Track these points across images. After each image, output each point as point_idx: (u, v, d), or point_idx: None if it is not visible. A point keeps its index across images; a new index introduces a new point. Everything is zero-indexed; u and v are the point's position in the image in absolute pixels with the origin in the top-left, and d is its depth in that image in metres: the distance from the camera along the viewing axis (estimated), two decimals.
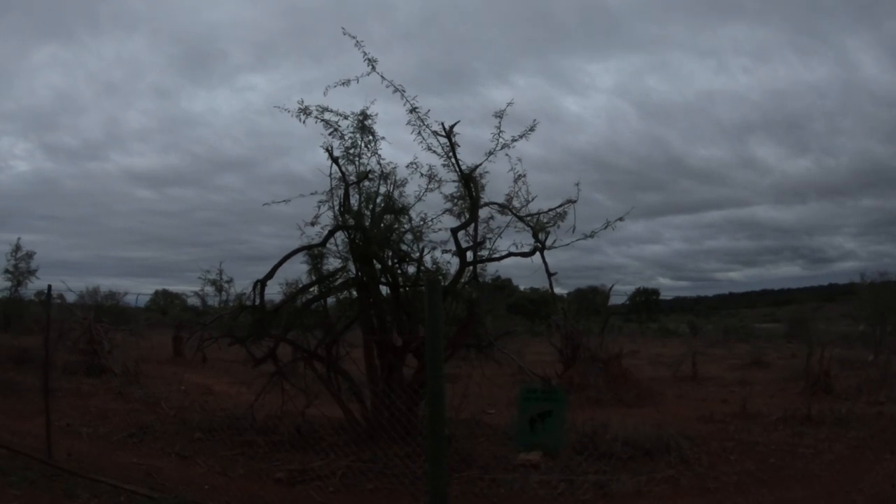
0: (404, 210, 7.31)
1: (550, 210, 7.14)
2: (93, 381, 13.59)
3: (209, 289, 8.13)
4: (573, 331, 13.78)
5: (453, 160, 6.56)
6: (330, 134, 6.92)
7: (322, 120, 6.78)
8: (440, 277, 7.45)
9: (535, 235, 6.95)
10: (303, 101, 6.66)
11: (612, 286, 13.59)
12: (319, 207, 7.07)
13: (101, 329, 15.75)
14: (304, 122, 6.68)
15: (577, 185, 7.09)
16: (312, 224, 7.14)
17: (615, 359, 13.02)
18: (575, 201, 7.06)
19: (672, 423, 9.66)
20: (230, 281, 7.90)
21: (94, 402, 11.17)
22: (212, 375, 16.13)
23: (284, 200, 7.07)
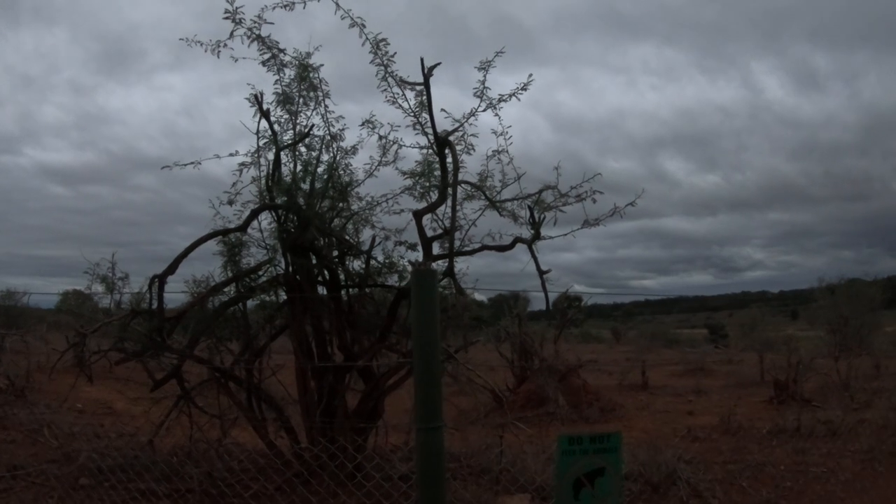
0: (350, 186, 5.64)
1: (530, 196, 5.63)
2: None
3: (98, 287, 6.43)
4: (526, 339, 12.36)
5: (427, 115, 4.87)
6: (265, 62, 5.14)
7: (257, 38, 4.95)
8: (396, 275, 5.83)
9: (532, 220, 5.37)
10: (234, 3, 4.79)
11: (568, 289, 12.24)
12: (241, 172, 5.30)
13: None
14: (236, 38, 4.86)
15: (557, 168, 5.61)
16: (230, 202, 5.38)
17: (574, 370, 11.68)
18: (554, 187, 5.58)
19: (654, 443, 8.62)
20: (125, 277, 6.26)
21: None
22: (115, 388, 13.91)
23: (192, 163, 5.28)
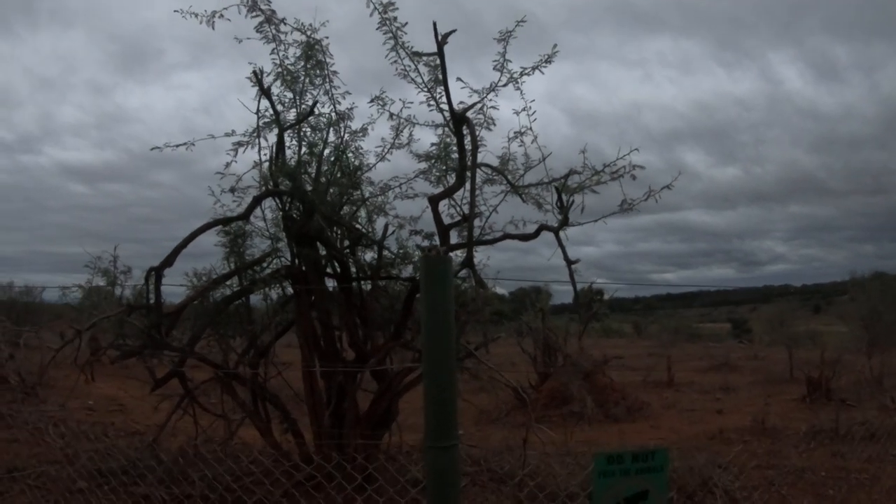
0: (360, 170, 5.23)
1: (554, 181, 5.17)
2: None
3: (100, 280, 6.09)
4: (549, 335, 11.91)
5: (443, 88, 4.41)
6: (259, 27, 4.72)
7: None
8: (412, 267, 5.40)
9: (559, 202, 4.90)
10: None
11: (590, 284, 11.76)
12: (237, 152, 4.87)
13: None
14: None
15: (584, 152, 5.13)
16: (232, 190, 4.98)
17: (600, 367, 11.21)
18: (580, 172, 5.11)
19: (684, 445, 8.20)
20: (127, 271, 5.94)
21: None
22: (129, 383, 13.64)
23: (185, 144, 4.88)
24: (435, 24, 4.05)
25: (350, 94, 5.14)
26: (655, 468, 2.53)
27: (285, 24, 4.75)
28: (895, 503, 6.09)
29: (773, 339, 27.01)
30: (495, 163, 5.22)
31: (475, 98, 4.60)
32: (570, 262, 4.78)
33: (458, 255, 4.96)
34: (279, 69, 4.94)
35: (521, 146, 5.15)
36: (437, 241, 5.05)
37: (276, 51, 4.86)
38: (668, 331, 37.14)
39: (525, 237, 5.27)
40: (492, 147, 5.13)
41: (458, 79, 4.43)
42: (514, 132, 5.09)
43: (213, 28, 4.46)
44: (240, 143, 4.83)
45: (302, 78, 5.09)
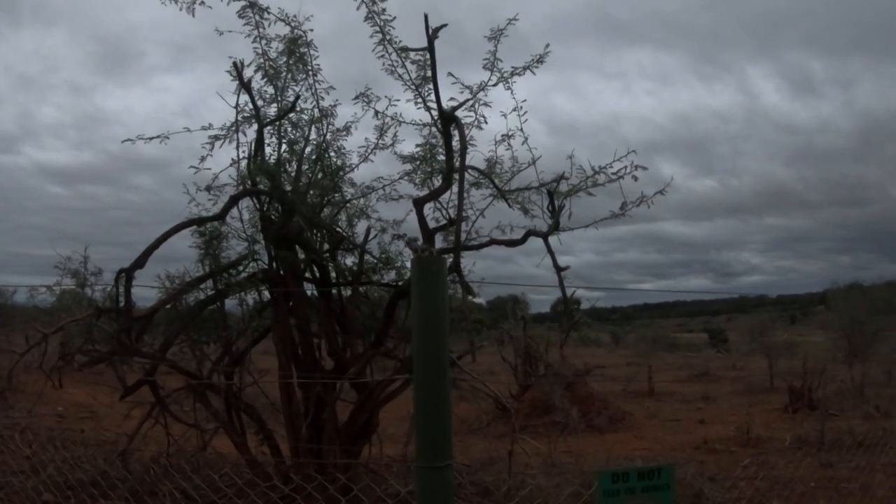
0: (342, 171, 5.02)
1: (542, 185, 5.00)
2: None
3: (68, 281, 5.84)
4: (530, 343, 11.74)
5: (432, 86, 4.21)
6: (242, 11, 4.49)
7: None
8: (395, 272, 5.20)
9: (550, 205, 4.71)
10: None
11: (574, 292, 11.58)
12: (213, 146, 4.63)
13: None
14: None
15: (571, 157, 4.95)
16: (208, 188, 4.75)
17: (582, 377, 11.07)
18: (568, 178, 4.95)
19: (669, 456, 8.08)
20: (98, 273, 5.72)
21: None
22: (100, 390, 13.26)
23: (159, 136, 4.66)
24: (426, 17, 3.84)
25: (334, 88, 4.93)
26: (662, 486, 2.37)
27: (269, 12, 4.53)
28: None
29: (750, 349, 27.12)
30: (482, 166, 5.05)
31: (466, 95, 4.41)
32: (559, 269, 4.61)
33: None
34: (261, 59, 4.73)
35: (508, 149, 4.99)
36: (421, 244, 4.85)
37: (258, 39, 4.65)
38: (646, 340, 37.19)
39: (512, 243, 5.08)
40: (479, 151, 4.96)
41: (450, 73, 4.23)
42: (503, 135, 4.93)
43: (194, 15, 4.25)
44: (216, 137, 4.60)
45: (284, 73, 4.88)
